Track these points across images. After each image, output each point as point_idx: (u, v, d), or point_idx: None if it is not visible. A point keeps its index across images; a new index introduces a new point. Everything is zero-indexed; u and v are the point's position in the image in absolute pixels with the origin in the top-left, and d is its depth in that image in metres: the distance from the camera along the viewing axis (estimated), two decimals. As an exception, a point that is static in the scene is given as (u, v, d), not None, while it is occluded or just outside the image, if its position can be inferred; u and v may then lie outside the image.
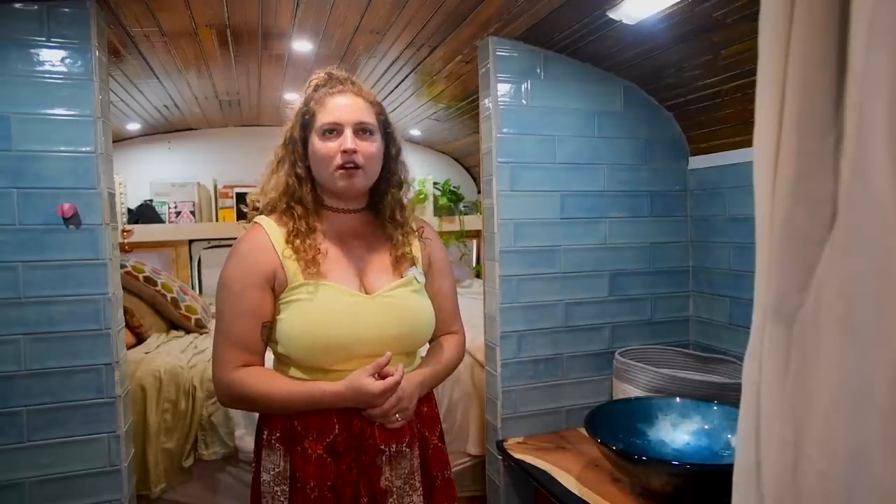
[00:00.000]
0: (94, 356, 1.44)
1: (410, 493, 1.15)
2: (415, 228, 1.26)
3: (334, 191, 1.16)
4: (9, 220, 1.37)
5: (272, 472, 1.12)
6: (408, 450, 1.15)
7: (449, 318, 1.29)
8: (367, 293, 1.15)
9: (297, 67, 2.22)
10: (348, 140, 1.11)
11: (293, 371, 1.14)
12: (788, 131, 0.61)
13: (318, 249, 1.13)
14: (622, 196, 1.92)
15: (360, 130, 1.13)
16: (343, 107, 1.13)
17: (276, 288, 1.12)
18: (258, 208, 1.20)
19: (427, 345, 1.29)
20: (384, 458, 1.12)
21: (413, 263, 1.22)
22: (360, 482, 1.11)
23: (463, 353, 1.32)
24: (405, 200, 1.25)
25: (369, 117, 1.15)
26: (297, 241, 1.12)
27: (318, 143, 1.13)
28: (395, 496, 1.13)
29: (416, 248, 1.25)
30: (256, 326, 1.11)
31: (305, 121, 1.16)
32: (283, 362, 1.16)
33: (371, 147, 1.14)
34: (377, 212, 1.23)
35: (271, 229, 1.14)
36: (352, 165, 1.12)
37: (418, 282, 1.21)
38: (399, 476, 1.14)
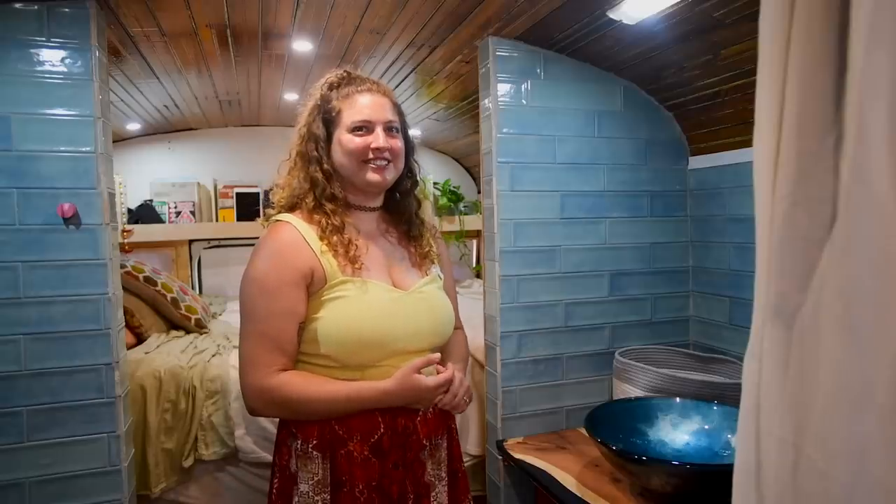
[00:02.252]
0: (94, 356, 1.43)
1: (437, 483, 1.17)
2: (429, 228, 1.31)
3: (361, 185, 1.16)
4: (9, 220, 1.37)
5: (311, 482, 1.08)
6: (441, 441, 1.18)
7: (456, 314, 1.33)
8: (398, 290, 1.16)
9: (297, 67, 2.22)
10: (381, 138, 1.13)
11: (322, 371, 1.11)
12: (788, 132, 0.61)
13: (357, 245, 1.13)
14: (622, 196, 1.92)
15: (388, 129, 1.15)
16: (373, 105, 1.15)
17: (312, 286, 1.09)
18: (282, 206, 1.19)
19: None
20: (426, 452, 1.14)
21: (433, 261, 1.26)
22: (406, 479, 1.11)
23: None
24: (421, 198, 1.29)
25: (394, 117, 1.18)
26: (335, 238, 1.11)
27: (347, 138, 1.13)
28: (436, 489, 1.16)
29: (433, 245, 1.28)
30: (294, 326, 1.08)
31: (329, 117, 1.16)
32: (308, 363, 1.13)
33: (399, 143, 1.17)
34: (395, 210, 1.26)
35: (301, 226, 1.12)
36: (383, 162, 1.14)
37: (440, 278, 1.25)
38: (435, 467, 1.17)
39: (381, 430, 1.10)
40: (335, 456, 1.09)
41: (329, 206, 1.13)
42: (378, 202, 1.23)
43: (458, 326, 1.36)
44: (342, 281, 1.10)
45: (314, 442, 1.09)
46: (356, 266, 1.11)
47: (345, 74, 1.21)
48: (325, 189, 1.14)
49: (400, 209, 1.25)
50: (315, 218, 1.13)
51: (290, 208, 1.17)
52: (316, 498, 1.08)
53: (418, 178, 1.28)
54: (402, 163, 1.20)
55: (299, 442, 1.10)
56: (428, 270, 1.23)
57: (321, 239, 1.11)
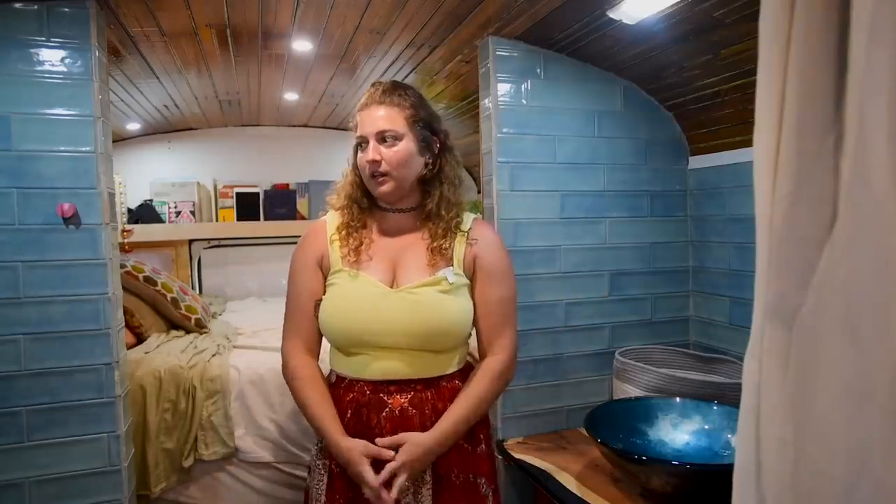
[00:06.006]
0: (93, 356, 1.44)
1: (420, 486, 1.19)
2: (464, 229, 1.27)
3: (374, 195, 1.26)
4: (9, 220, 1.37)
5: (317, 447, 1.27)
6: None
7: (492, 330, 1.25)
8: (386, 286, 1.20)
9: (296, 67, 2.22)
10: (370, 151, 1.20)
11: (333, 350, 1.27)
12: (788, 131, 0.61)
13: (361, 241, 1.24)
14: (622, 196, 1.92)
15: (383, 139, 1.20)
16: (367, 120, 1.22)
17: (323, 270, 1.27)
18: (332, 206, 1.34)
19: (474, 344, 1.32)
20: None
21: (450, 263, 1.22)
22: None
23: (499, 383, 1.25)
24: (455, 198, 1.27)
25: (391, 124, 1.19)
26: (344, 232, 1.26)
27: (358, 155, 1.26)
28: (411, 491, 1.18)
29: (458, 247, 1.24)
30: (309, 301, 1.25)
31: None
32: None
33: (394, 152, 1.19)
34: (426, 209, 1.27)
35: (331, 220, 1.30)
36: (378, 175, 1.20)
37: (449, 282, 1.20)
38: None
39: (348, 416, 1.20)
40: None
41: (354, 209, 1.28)
42: (405, 204, 1.28)
43: (495, 350, 1.24)
44: (338, 270, 1.23)
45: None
46: (353, 259, 1.22)
47: (371, 88, 1.26)
48: (352, 194, 1.29)
49: (426, 207, 1.26)
50: (342, 213, 1.29)
51: (338, 208, 1.32)
52: (318, 462, 1.25)
53: (453, 176, 1.29)
54: (402, 170, 1.20)
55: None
56: (437, 272, 1.20)
57: (337, 231, 1.26)
